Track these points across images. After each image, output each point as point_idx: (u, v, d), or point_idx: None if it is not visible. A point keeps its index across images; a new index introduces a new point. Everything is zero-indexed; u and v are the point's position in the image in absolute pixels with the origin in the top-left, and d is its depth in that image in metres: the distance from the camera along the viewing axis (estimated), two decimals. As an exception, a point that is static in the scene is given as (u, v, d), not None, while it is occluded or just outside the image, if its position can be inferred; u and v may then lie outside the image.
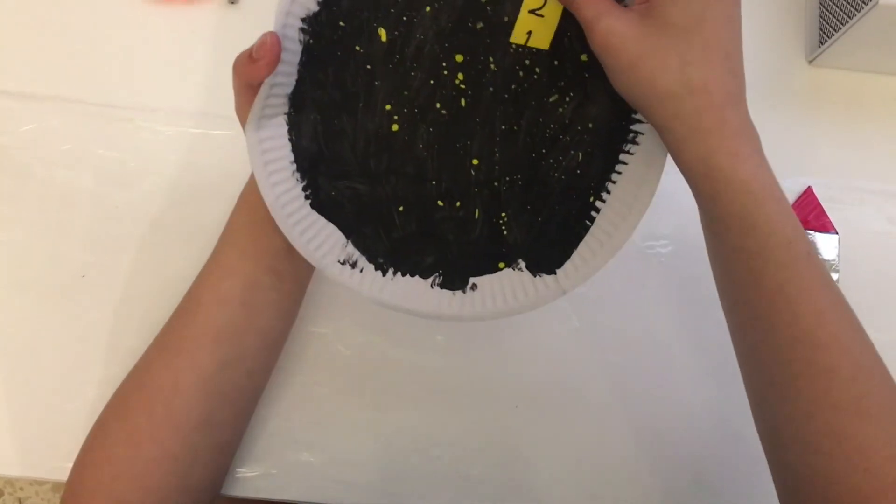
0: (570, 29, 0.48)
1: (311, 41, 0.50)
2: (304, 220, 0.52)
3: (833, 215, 0.67)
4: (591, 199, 0.52)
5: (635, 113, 0.50)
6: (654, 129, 0.47)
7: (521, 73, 0.50)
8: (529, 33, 0.49)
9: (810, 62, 0.70)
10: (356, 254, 0.53)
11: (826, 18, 0.68)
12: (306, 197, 0.52)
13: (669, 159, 0.48)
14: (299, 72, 0.50)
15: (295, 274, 0.56)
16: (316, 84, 0.50)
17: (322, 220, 0.52)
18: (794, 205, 0.67)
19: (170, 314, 0.55)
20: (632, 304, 0.65)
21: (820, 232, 0.67)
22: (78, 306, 0.63)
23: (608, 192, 0.52)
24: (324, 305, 0.63)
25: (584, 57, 0.49)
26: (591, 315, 0.65)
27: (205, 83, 0.68)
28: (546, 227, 0.53)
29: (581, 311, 0.65)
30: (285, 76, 0.49)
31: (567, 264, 0.52)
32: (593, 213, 0.52)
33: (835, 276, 0.66)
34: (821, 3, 0.70)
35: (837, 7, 0.66)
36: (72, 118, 0.66)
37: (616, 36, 0.43)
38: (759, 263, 0.44)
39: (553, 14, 0.48)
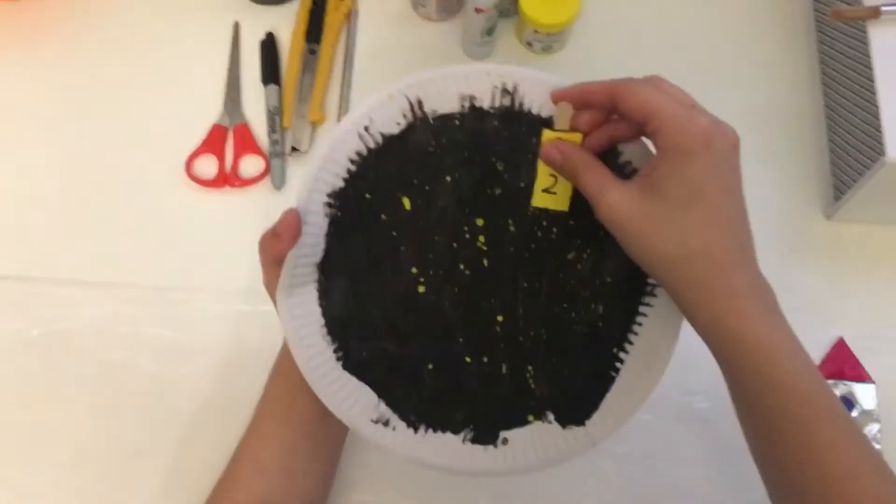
0: None
1: (338, 214, 0.54)
2: (336, 381, 0.53)
3: (868, 364, 0.67)
4: (615, 351, 0.53)
5: None
6: None
7: (539, 233, 0.54)
8: (551, 196, 0.53)
9: (828, 218, 0.73)
10: (388, 412, 0.54)
11: (839, 176, 0.71)
12: (338, 359, 0.54)
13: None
14: (327, 240, 0.54)
15: (331, 438, 0.58)
16: (344, 251, 0.54)
17: (354, 380, 0.54)
18: (827, 357, 0.68)
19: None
20: (671, 460, 0.65)
21: (857, 382, 0.67)
22: (133, 483, 0.65)
23: (630, 343, 0.53)
24: (367, 474, 0.65)
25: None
26: (630, 472, 0.65)
27: (251, 262, 0.71)
28: (572, 378, 0.53)
29: (621, 468, 0.65)
30: (311, 247, 0.53)
31: (595, 415, 0.52)
32: (618, 364, 0.53)
33: (875, 426, 0.65)
34: (832, 163, 0.73)
35: (849, 166, 0.69)
36: (130, 302, 0.70)
37: (619, 209, 0.46)
38: (781, 421, 0.44)
39: (565, 185, 0.52)
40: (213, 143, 0.76)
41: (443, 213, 0.54)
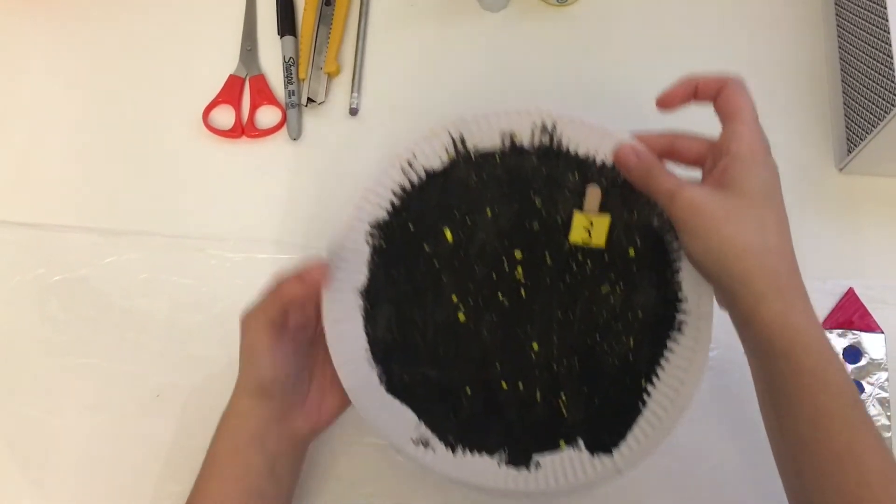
0: (619, 226, 0.55)
1: (381, 244, 0.57)
2: (379, 402, 0.56)
3: (877, 314, 0.68)
4: (643, 383, 0.55)
5: (679, 302, 0.54)
6: (720, 301, 0.51)
7: (574, 267, 0.56)
8: (588, 232, 0.56)
9: (840, 170, 0.73)
10: (428, 433, 0.56)
11: (852, 128, 0.71)
12: (381, 382, 0.57)
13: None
14: (371, 269, 0.57)
15: (281, 492, 0.57)
16: (389, 280, 0.57)
17: (396, 402, 0.57)
18: (836, 307, 0.69)
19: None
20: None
21: (865, 332, 0.68)
22: (154, 424, 0.66)
23: (657, 377, 0.55)
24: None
25: (631, 252, 0.56)
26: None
27: (269, 212, 0.73)
28: (602, 407, 0.56)
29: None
30: (353, 273, 0.57)
31: (622, 445, 0.55)
32: (645, 397, 0.55)
33: (883, 374, 0.66)
34: (846, 115, 0.73)
35: (862, 118, 0.70)
36: (149, 250, 0.72)
37: (701, 200, 0.48)
38: (827, 421, 0.45)
39: (602, 223, 0.55)
40: (229, 93, 0.76)
41: (483, 245, 0.57)
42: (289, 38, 0.78)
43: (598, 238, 0.56)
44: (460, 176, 0.58)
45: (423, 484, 0.63)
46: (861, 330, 0.68)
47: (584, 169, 0.56)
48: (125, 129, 0.76)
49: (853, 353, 0.67)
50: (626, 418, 0.55)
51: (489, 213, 0.57)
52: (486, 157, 0.58)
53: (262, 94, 0.76)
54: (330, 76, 0.77)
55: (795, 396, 0.46)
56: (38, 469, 0.66)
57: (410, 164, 0.58)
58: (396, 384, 0.57)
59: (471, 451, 0.56)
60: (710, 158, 0.52)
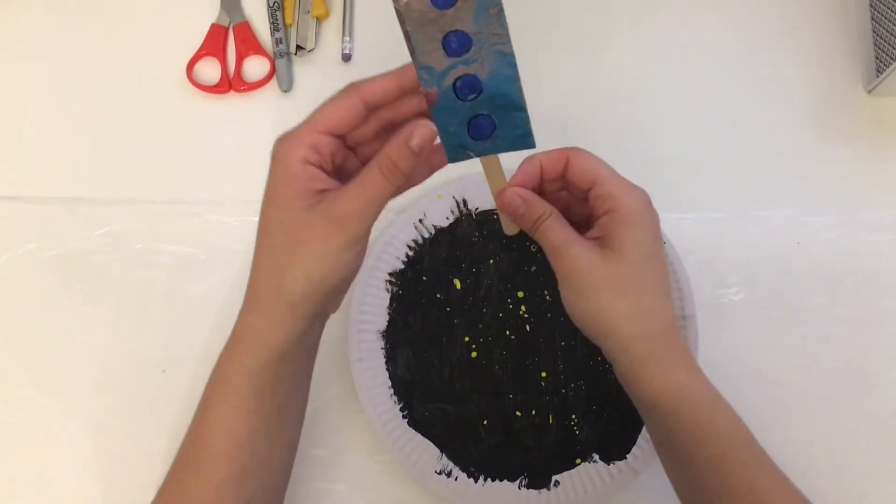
0: None
1: (399, 291, 0.64)
2: (403, 436, 0.61)
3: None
4: None
5: None
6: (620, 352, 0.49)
7: None
8: None
9: (869, 92, 0.69)
10: (450, 464, 0.61)
11: (882, 48, 0.67)
12: (403, 416, 0.61)
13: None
14: (390, 314, 0.63)
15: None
16: (405, 324, 0.64)
17: (419, 436, 0.61)
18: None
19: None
20: (708, 357, 0.63)
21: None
22: (160, 401, 0.64)
23: None
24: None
25: None
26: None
27: (265, 171, 0.69)
28: (611, 421, 0.61)
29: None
30: (375, 316, 0.63)
31: (635, 448, 0.60)
32: None
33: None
34: (875, 33, 0.68)
35: (893, 35, 0.65)
36: (142, 218, 0.68)
37: (584, 261, 0.47)
38: (727, 467, 0.46)
39: None
40: (212, 44, 0.72)
41: (489, 289, 0.64)
42: (272, -20, 0.73)
43: None
44: (464, 232, 0.65)
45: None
46: None
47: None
48: (107, 92, 0.72)
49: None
50: (636, 425, 0.60)
51: (492, 263, 0.65)
52: (485, 215, 0.66)
53: (248, 43, 0.72)
54: (319, 20, 0.72)
55: (692, 450, 0.47)
56: (41, 453, 0.64)
57: (421, 221, 0.65)
58: (418, 419, 0.62)
59: (492, 478, 0.60)
60: (589, 210, 0.49)
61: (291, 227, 0.45)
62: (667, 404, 0.47)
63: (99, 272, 0.67)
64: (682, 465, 0.48)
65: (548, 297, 0.64)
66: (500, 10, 0.40)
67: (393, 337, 0.63)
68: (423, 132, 0.43)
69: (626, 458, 0.60)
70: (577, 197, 0.50)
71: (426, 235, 0.66)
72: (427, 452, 0.61)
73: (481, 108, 0.44)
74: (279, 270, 0.45)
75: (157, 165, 0.70)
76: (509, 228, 0.52)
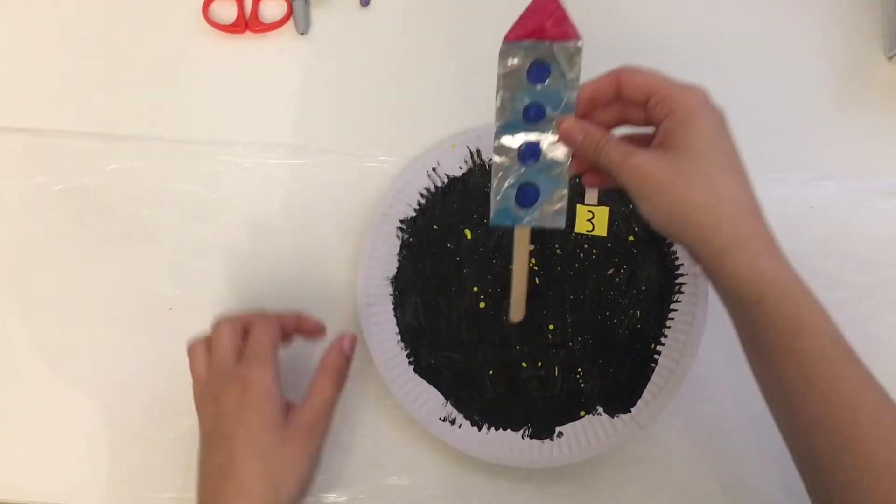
0: (618, 217, 0.63)
1: (409, 239, 0.64)
2: (408, 382, 0.61)
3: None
4: (653, 346, 0.61)
5: (677, 270, 0.62)
6: (691, 257, 0.50)
7: (581, 255, 0.63)
8: (591, 223, 0.63)
9: (890, 59, 0.68)
10: (454, 412, 0.61)
11: (905, 14, 0.66)
12: (410, 363, 0.62)
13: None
14: (399, 260, 0.64)
15: None
16: (416, 272, 0.64)
17: (424, 383, 0.61)
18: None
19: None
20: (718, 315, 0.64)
21: None
22: (166, 339, 0.64)
23: (665, 337, 0.61)
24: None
25: (631, 238, 0.63)
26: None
27: (279, 114, 0.69)
28: (617, 375, 0.61)
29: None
30: (385, 262, 0.63)
31: (639, 402, 0.60)
32: (656, 357, 0.61)
33: None
34: (898, -1, 0.68)
35: (916, 2, 0.64)
36: (153, 156, 0.68)
37: (647, 166, 0.47)
38: (810, 364, 0.45)
39: (602, 214, 0.63)
40: (229, -17, 0.71)
41: (499, 241, 0.64)
42: (290, -82, 0.71)
43: (601, 228, 0.63)
44: (477, 183, 0.65)
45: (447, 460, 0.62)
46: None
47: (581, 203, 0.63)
48: (122, 28, 0.71)
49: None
50: (641, 379, 0.61)
51: None
52: None
53: (265, -17, 0.71)
54: (337, -38, 0.71)
55: (774, 343, 0.46)
56: (49, 385, 0.64)
57: (434, 170, 0.65)
58: (424, 366, 0.62)
59: (496, 427, 0.61)
60: (650, 122, 0.51)
61: (277, 445, 0.50)
62: (751, 293, 0.46)
63: (108, 208, 0.67)
64: (764, 360, 0.48)
65: (558, 251, 0.63)
66: (574, 102, 0.49)
67: (402, 284, 0.63)
68: (349, 341, 0.55)
69: (630, 411, 0.60)
70: (634, 117, 0.51)
71: (439, 184, 0.65)
72: (432, 400, 0.61)
73: (533, 177, 0.51)
74: (274, 487, 0.50)
75: (169, 103, 0.70)
76: (516, 315, 0.61)
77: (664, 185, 0.47)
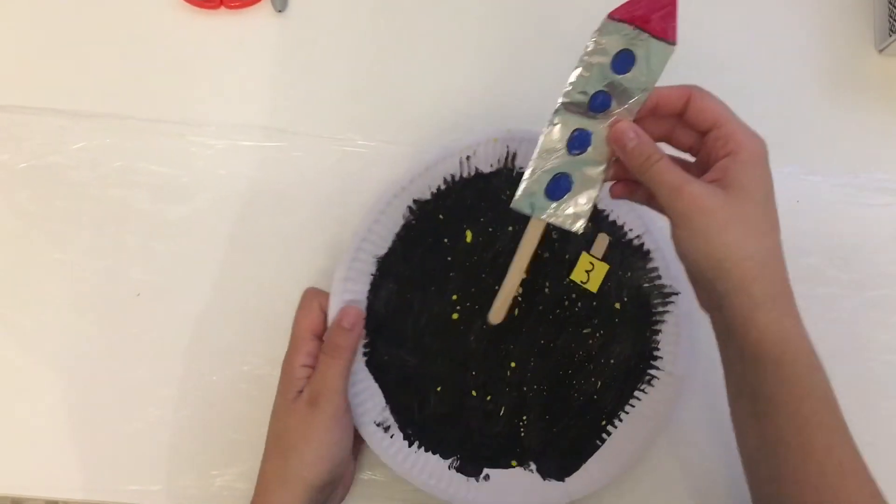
0: (612, 280, 0.60)
1: (413, 221, 0.61)
2: (356, 373, 0.58)
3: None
4: (603, 423, 0.59)
5: (654, 360, 0.59)
6: (706, 303, 0.50)
7: (566, 303, 0.60)
8: (588, 275, 0.60)
9: (881, 51, 0.67)
10: (391, 419, 0.59)
11: (897, 6, 0.65)
12: (364, 354, 0.59)
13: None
14: (394, 240, 0.60)
15: None
16: (404, 258, 0.60)
17: (370, 379, 0.59)
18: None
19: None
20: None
21: None
22: (134, 325, 0.62)
23: (620, 420, 0.59)
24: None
25: (617, 305, 0.60)
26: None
27: (253, 94, 0.67)
28: (559, 437, 0.59)
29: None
30: (382, 239, 0.60)
31: (576, 475, 0.58)
32: (604, 435, 0.59)
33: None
34: (890, -10, 0.66)
35: (909, -6, 0.63)
36: (123, 135, 0.65)
37: (706, 199, 0.46)
38: (811, 428, 0.46)
39: (601, 270, 0.60)
40: (205, -43, 0.68)
41: (496, 256, 0.60)
42: None
43: (593, 283, 0.60)
44: (498, 186, 0.61)
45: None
46: None
47: (600, 219, 0.61)
48: (91, 0, 0.68)
49: None
50: (583, 451, 0.58)
51: (510, 229, 0.60)
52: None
53: (241, -43, 0.68)
54: (317, -63, 0.69)
55: (782, 403, 0.46)
56: (12, 370, 0.62)
57: (468, 159, 0.61)
58: (376, 361, 0.59)
59: (425, 448, 0.59)
60: (703, 151, 0.50)
61: (283, 417, 0.56)
62: (773, 351, 0.46)
63: (75, 188, 0.65)
64: (762, 418, 0.48)
65: (547, 290, 0.60)
66: (641, 104, 0.48)
67: (386, 266, 0.60)
68: (351, 315, 0.57)
69: (563, 480, 0.58)
70: (682, 139, 0.51)
71: (465, 175, 0.62)
72: (373, 400, 0.59)
73: (571, 168, 0.50)
74: (284, 458, 0.54)
75: (139, 81, 0.67)
76: (496, 316, 0.56)
77: (720, 223, 0.46)
